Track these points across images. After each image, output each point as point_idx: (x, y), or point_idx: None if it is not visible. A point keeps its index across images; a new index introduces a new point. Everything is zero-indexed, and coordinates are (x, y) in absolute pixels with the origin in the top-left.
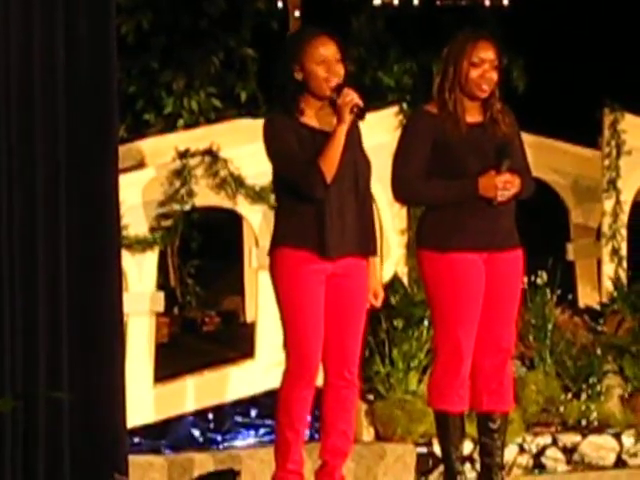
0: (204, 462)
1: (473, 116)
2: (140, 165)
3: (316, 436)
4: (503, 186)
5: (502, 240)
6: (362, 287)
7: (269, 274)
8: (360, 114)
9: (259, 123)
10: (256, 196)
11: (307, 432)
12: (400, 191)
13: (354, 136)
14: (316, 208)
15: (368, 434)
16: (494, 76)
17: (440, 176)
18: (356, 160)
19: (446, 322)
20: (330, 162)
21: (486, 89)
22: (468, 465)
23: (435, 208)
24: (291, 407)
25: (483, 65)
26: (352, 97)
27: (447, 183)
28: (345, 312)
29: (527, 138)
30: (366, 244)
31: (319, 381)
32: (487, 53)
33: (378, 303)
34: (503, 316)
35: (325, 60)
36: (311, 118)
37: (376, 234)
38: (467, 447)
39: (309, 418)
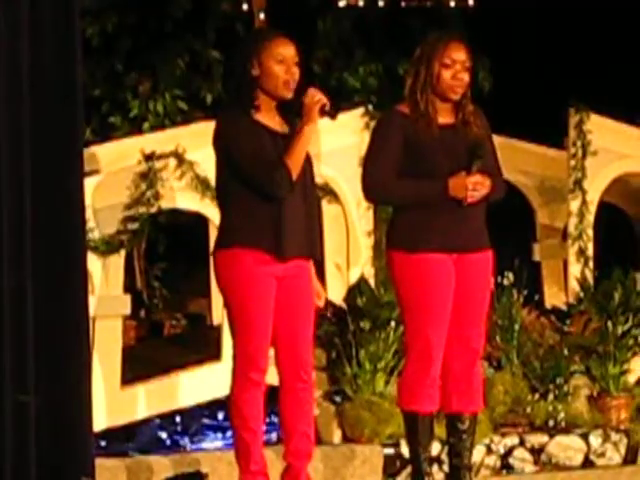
0: (171, 465)
1: (445, 117)
2: (106, 168)
3: None
4: (473, 187)
5: (471, 241)
6: (310, 288)
7: (215, 275)
8: (332, 113)
9: None
10: None
11: (265, 432)
12: (371, 191)
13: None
14: (272, 208)
15: (335, 436)
16: (466, 77)
17: (411, 176)
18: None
19: (416, 322)
20: (297, 161)
21: (458, 91)
22: (436, 466)
23: (405, 209)
24: (242, 408)
25: (455, 66)
26: (320, 97)
27: (417, 183)
28: (296, 313)
29: (493, 138)
30: (314, 246)
31: (275, 381)
32: (459, 54)
33: (321, 303)
34: (472, 317)
35: (284, 60)
36: (265, 117)
37: (320, 236)
38: (435, 448)
39: (267, 418)
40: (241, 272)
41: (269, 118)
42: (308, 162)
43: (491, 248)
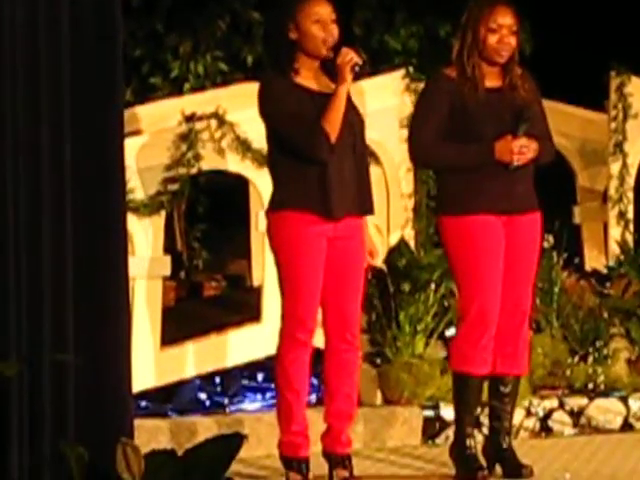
0: (210, 426)
1: (492, 81)
2: (146, 129)
3: None
4: (519, 150)
5: (520, 203)
6: (361, 248)
7: (268, 236)
8: (360, 72)
9: None
10: (262, 160)
11: (308, 394)
12: (417, 154)
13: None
14: (318, 170)
15: (375, 397)
16: (512, 41)
17: (457, 140)
18: (350, 119)
19: (471, 286)
20: (333, 123)
21: (504, 54)
22: (475, 429)
23: (452, 174)
24: (288, 369)
25: (501, 30)
26: (352, 56)
27: (463, 147)
28: (345, 274)
29: None
30: (364, 203)
31: (319, 343)
32: (505, 18)
33: (375, 262)
34: (521, 279)
35: (320, 19)
36: (306, 79)
37: (372, 193)
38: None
39: (311, 380)
40: (291, 233)
41: (311, 79)
42: (359, 120)
43: (540, 210)
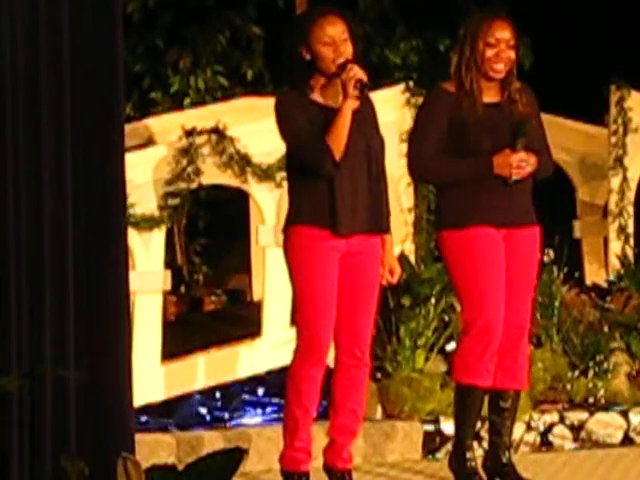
0: (212, 440)
1: (490, 96)
2: (147, 144)
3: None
4: (517, 165)
5: (519, 217)
6: (375, 265)
7: (283, 252)
8: (361, 89)
9: (265, 101)
10: (262, 174)
11: (315, 411)
12: (416, 168)
13: (368, 113)
14: (327, 186)
15: (375, 412)
16: (511, 55)
17: (456, 155)
18: (368, 138)
19: (474, 299)
20: (337, 138)
21: (502, 69)
22: (475, 443)
23: (451, 188)
24: (300, 385)
25: (499, 45)
26: (355, 72)
27: (462, 161)
28: (358, 290)
29: None
30: (378, 222)
31: (330, 360)
32: (503, 33)
33: (394, 279)
34: (520, 293)
35: (332, 41)
36: (320, 95)
37: (389, 212)
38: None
39: (318, 397)
40: (302, 249)
41: (326, 96)
42: (376, 137)
43: (538, 225)
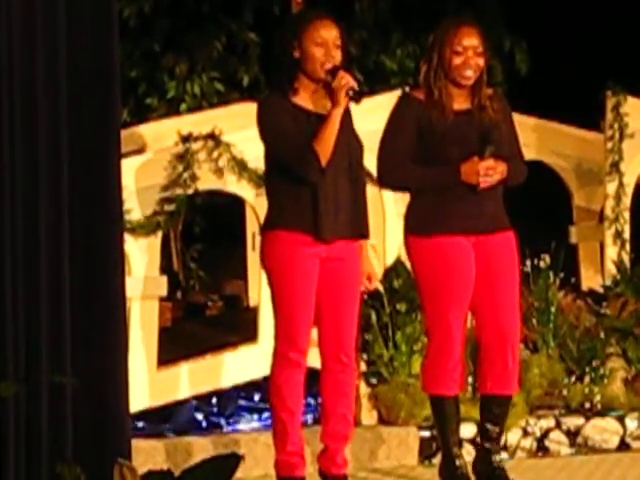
0: (207, 446)
1: (460, 103)
2: (143, 149)
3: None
4: (485, 172)
5: (489, 223)
6: (356, 270)
7: (260, 256)
8: (356, 97)
9: None
10: (259, 180)
11: (303, 414)
12: (385, 176)
13: (347, 119)
14: (311, 191)
15: (371, 417)
16: (479, 62)
17: (425, 162)
18: (349, 143)
19: (436, 307)
20: (325, 145)
21: (470, 76)
22: (470, 448)
23: (420, 194)
24: (282, 389)
25: (466, 52)
26: (347, 80)
27: (430, 170)
28: (340, 296)
29: (529, 121)
30: (359, 227)
31: (316, 363)
32: (470, 40)
33: (372, 286)
34: (501, 298)
35: (324, 43)
36: (305, 100)
37: (368, 217)
38: (471, 430)
39: (305, 400)
40: (283, 254)
41: (309, 100)
42: (357, 144)
43: (511, 229)
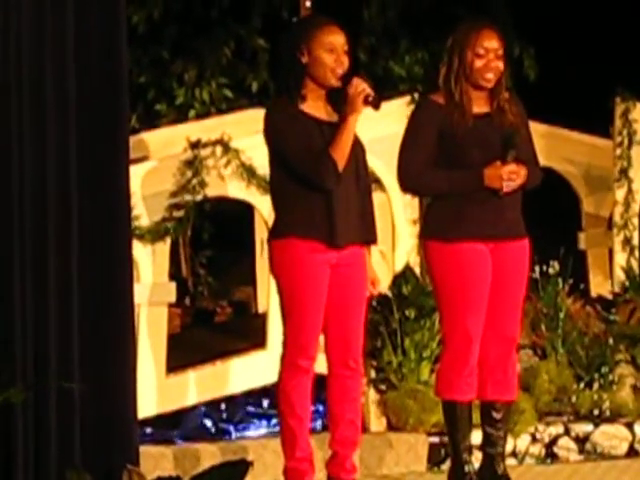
0: (216, 453)
1: (480, 106)
2: (152, 155)
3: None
4: (508, 177)
5: (508, 230)
6: (363, 276)
7: (270, 263)
8: (376, 103)
9: None
10: (267, 186)
11: (312, 420)
12: (406, 182)
13: None
14: (323, 197)
15: (380, 424)
16: (500, 65)
17: (446, 167)
18: (354, 147)
19: (454, 311)
20: (342, 152)
21: (491, 79)
22: (479, 454)
23: (440, 198)
24: (290, 395)
25: (488, 55)
26: (364, 87)
27: (452, 174)
28: (348, 302)
29: (538, 127)
30: (368, 232)
31: (323, 369)
32: (491, 42)
33: (377, 291)
34: (508, 305)
35: (333, 48)
36: (312, 107)
37: (376, 222)
38: (477, 437)
39: (314, 406)
40: (294, 261)
41: (317, 107)
42: (361, 149)
43: (527, 237)
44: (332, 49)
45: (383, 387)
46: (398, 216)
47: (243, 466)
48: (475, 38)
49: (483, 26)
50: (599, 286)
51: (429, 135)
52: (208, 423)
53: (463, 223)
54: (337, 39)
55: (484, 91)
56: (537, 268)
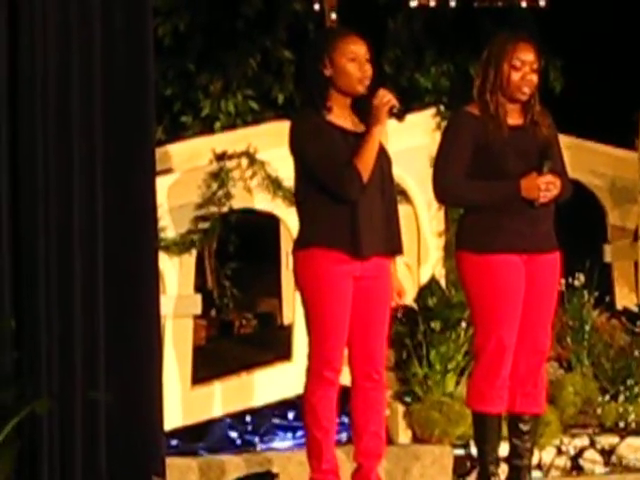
0: (241, 464)
1: (514, 118)
2: (177, 168)
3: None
4: (546, 187)
5: (541, 242)
6: (388, 287)
7: (294, 274)
8: (400, 115)
9: None
10: (293, 198)
11: (338, 432)
12: (442, 193)
13: None
14: (348, 208)
15: (405, 436)
16: (534, 78)
17: (480, 178)
18: (379, 158)
19: (488, 323)
20: (366, 163)
21: (527, 92)
22: (505, 467)
23: (475, 210)
24: (316, 407)
25: (524, 68)
26: (389, 98)
27: (490, 185)
28: (371, 313)
29: (564, 139)
30: (393, 243)
31: (347, 381)
32: (527, 55)
33: (403, 301)
34: (540, 318)
35: (356, 58)
36: (338, 117)
37: (401, 233)
38: (504, 449)
39: (339, 419)
40: (319, 272)
41: (342, 117)
42: (387, 160)
43: (560, 250)
44: (354, 58)
45: (408, 399)
46: (424, 228)
47: (268, 478)
48: (512, 50)
49: (520, 39)
50: (625, 298)
51: (465, 146)
52: (233, 435)
53: (498, 235)
54: (358, 48)
55: (518, 103)
56: (563, 280)
